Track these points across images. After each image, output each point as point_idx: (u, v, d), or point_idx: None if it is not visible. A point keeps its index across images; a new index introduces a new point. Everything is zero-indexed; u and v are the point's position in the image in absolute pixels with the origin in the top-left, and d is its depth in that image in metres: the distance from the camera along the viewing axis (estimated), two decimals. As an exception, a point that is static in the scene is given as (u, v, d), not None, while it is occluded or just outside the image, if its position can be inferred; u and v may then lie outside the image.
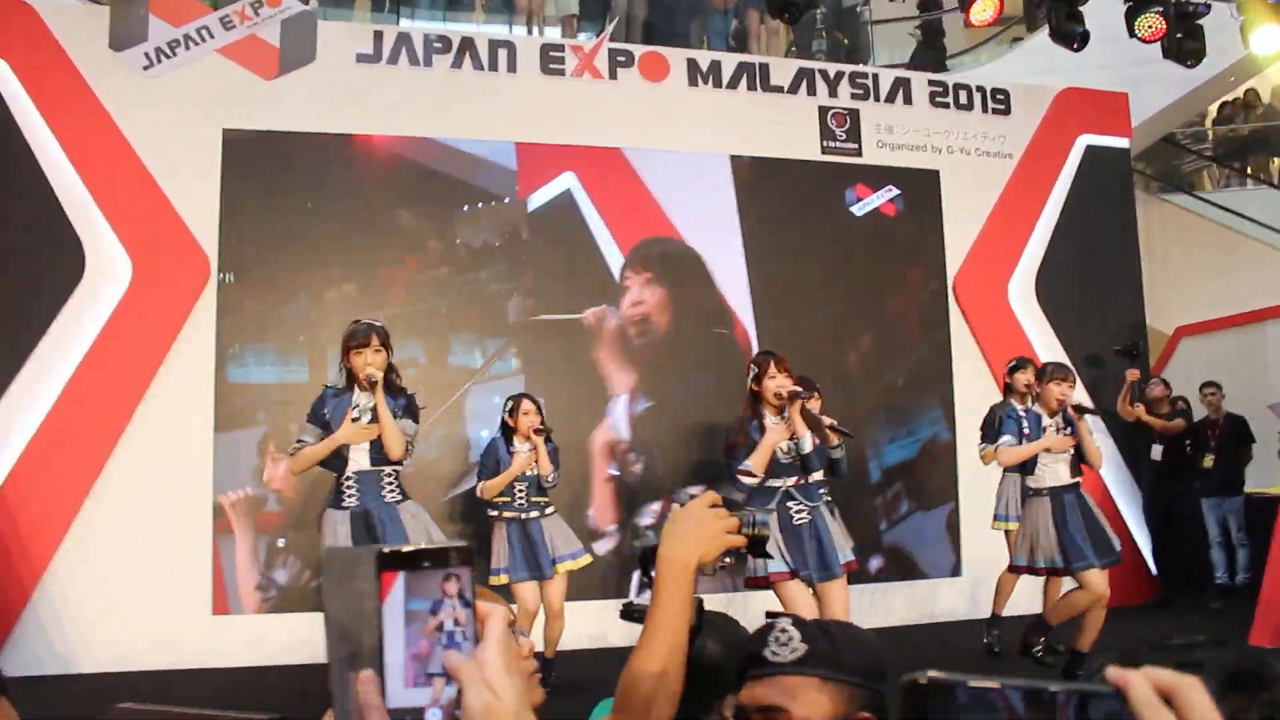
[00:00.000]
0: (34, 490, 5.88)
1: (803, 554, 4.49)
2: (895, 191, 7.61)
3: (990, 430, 5.84)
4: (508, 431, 5.41)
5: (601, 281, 7.05)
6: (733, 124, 7.36)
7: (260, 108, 6.54)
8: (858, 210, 7.54)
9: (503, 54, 7.02)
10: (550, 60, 7.11)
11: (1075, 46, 6.82)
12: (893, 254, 7.58)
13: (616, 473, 6.83)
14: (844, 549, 4.69)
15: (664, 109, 7.26)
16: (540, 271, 7.00)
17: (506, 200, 7.03)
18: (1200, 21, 6.86)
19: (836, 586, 4.61)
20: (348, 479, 4.36)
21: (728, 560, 1.58)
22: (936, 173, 7.74)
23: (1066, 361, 6.16)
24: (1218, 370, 8.21)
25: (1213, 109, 11.14)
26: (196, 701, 4.20)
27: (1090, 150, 8.13)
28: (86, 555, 5.91)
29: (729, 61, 7.51)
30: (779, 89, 7.51)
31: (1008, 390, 6.30)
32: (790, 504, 4.59)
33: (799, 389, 4.62)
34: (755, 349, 6.83)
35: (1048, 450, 5.07)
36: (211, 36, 6.52)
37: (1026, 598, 5.93)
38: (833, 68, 7.75)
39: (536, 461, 5.31)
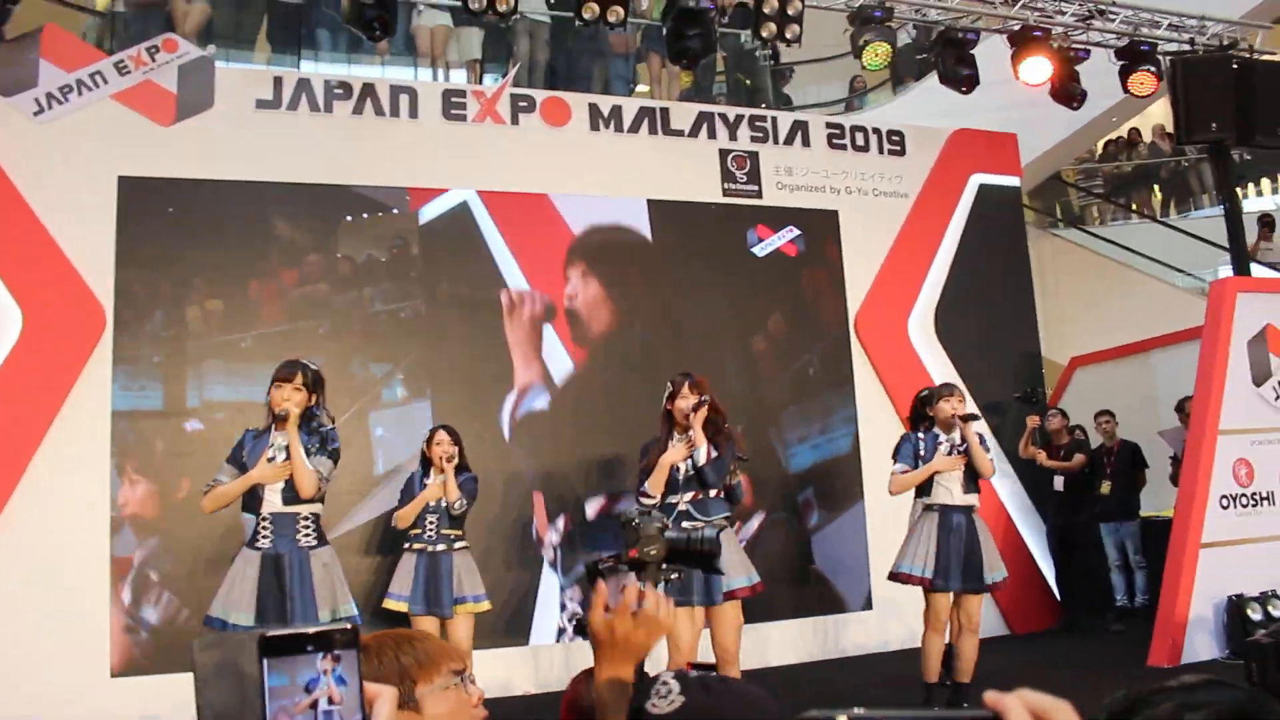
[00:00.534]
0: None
1: (689, 577, 4.36)
2: (796, 232, 7.71)
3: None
4: (426, 464, 5.53)
5: (498, 303, 6.92)
6: (636, 167, 7.43)
7: (157, 155, 6.40)
8: (759, 251, 7.62)
9: (404, 99, 6.98)
10: (453, 105, 7.09)
11: (964, 90, 7.05)
12: (795, 293, 7.69)
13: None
14: (736, 576, 4.62)
15: (566, 153, 7.28)
16: (431, 290, 6.82)
17: (395, 211, 6.85)
18: (1078, 67, 7.15)
19: (720, 612, 4.62)
20: (264, 519, 4.32)
21: (675, 576, 1.62)
22: (836, 213, 7.87)
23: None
24: (1111, 398, 8.50)
25: (1098, 147, 11.62)
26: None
27: (983, 189, 8.36)
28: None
29: (630, 105, 7.59)
30: (679, 132, 7.60)
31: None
32: (685, 523, 4.53)
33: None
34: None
35: (938, 472, 5.19)
36: (105, 82, 6.38)
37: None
38: (732, 111, 7.88)
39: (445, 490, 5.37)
